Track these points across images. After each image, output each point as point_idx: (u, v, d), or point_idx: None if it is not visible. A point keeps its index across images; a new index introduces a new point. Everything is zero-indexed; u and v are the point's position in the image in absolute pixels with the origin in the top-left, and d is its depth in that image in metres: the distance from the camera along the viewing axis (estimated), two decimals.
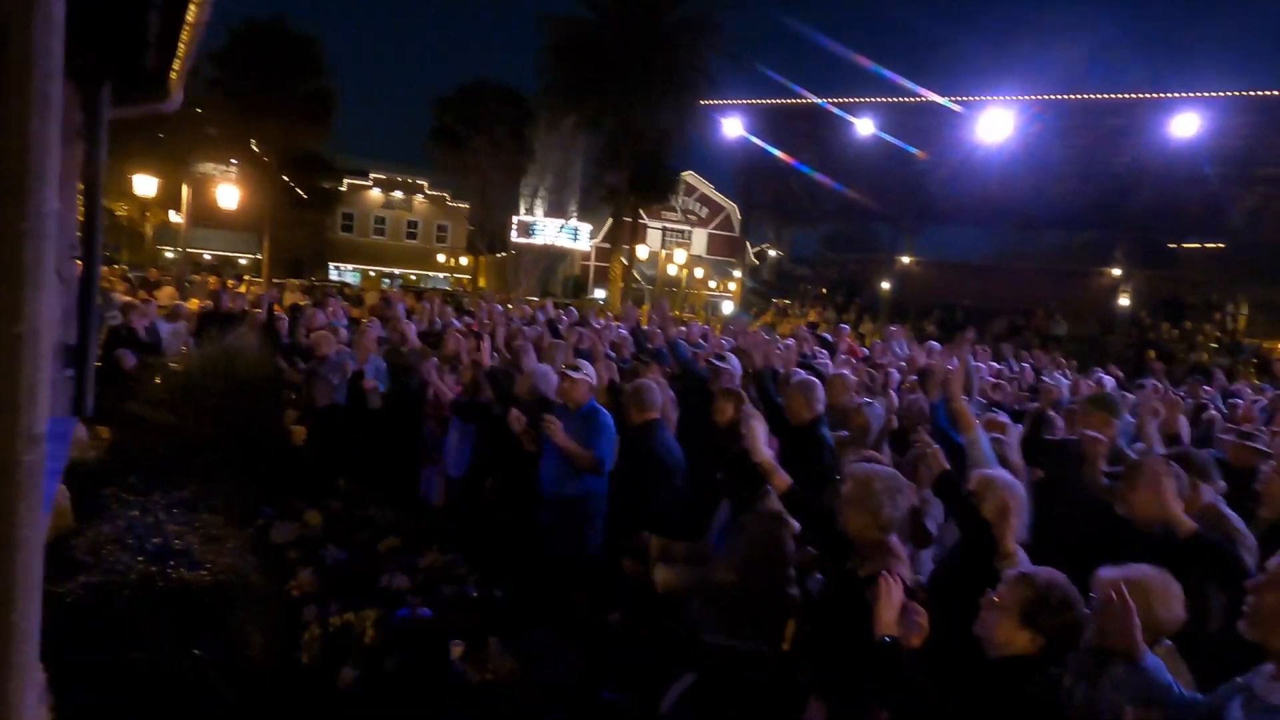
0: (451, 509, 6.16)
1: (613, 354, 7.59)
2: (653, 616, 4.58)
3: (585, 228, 42.90)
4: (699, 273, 40.52)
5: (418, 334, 8.37)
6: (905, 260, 26.96)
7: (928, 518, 3.86)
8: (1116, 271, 23.77)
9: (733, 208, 41.71)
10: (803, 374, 5.77)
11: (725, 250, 44.57)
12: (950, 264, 28.39)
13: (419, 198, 46.22)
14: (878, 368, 7.79)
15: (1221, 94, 19.12)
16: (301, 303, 12.30)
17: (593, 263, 46.50)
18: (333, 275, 42.80)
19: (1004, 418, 4.64)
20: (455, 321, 9.86)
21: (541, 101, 26.52)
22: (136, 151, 22.24)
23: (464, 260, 42.94)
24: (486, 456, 5.50)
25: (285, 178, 28.04)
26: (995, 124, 20.47)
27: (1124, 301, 22.75)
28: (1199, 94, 19.09)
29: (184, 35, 3.33)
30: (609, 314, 15.86)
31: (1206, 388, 10.13)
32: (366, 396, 7.21)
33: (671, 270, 33.82)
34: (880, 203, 27.95)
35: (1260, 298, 25.14)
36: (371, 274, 44.56)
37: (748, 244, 38.48)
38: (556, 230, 31.37)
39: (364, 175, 44.46)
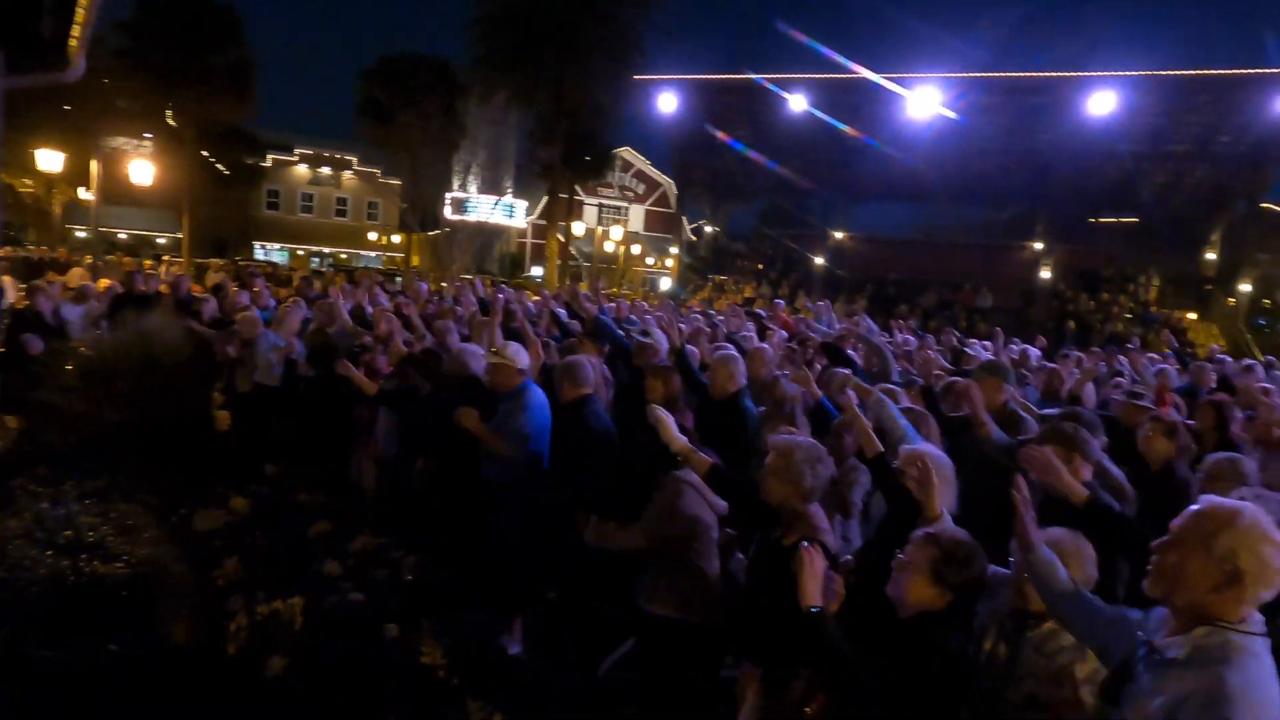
0: (383, 492, 6.05)
1: (559, 332, 7.56)
2: (592, 591, 4.61)
3: (521, 204, 42.37)
4: (636, 249, 40.48)
5: (352, 315, 8.17)
6: (839, 236, 27.41)
7: (854, 487, 3.96)
8: (1038, 246, 24.62)
9: (670, 184, 41.67)
10: (729, 348, 5.85)
11: (663, 227, 44.55)
12: (882, 239, 28.98)
13: (348, 174, 44.83)
14: (805, 341, 7.90)
15: (1134, 74, 19.87)
16: (224, 283, 11.84)
17: (529, 240, 46.00)
18: (259, 255, 41.40)
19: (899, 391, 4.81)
20: (385, 301, 9.65)
21: (473, 74, 25.96)
22: (40, 124, 21.04)
23: (397, 238, 41.97)
24: (417, 438, 5.41)
25: (204, 153, 26.90)
26: (923, 102, 20.88)
27: (1045, 274, 23.62)
28: (1115, 73, 19.79)
29: (82, 0, 3.16)
30: (545, 291, 15.73)
31: (1121, 356, 10.63)
32: (299, 379, 7.04)
33: (609, 247, 33.71)
34: (813, 179, 28.31)
35: (1170, 270, 26.41)
36: (300, 253, 43.22)
37: (684, 221, 38.58)
38: (491, 207, 30.86)
39: (289, 151, 42.93)
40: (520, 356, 4.64)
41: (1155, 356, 9.60)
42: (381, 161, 38.08)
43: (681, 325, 6.85)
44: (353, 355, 6.45)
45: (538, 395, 4.63)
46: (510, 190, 39.68)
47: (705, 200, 31.22)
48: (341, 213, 45.40)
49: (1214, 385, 6.57)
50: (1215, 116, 21.50)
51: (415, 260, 33.49)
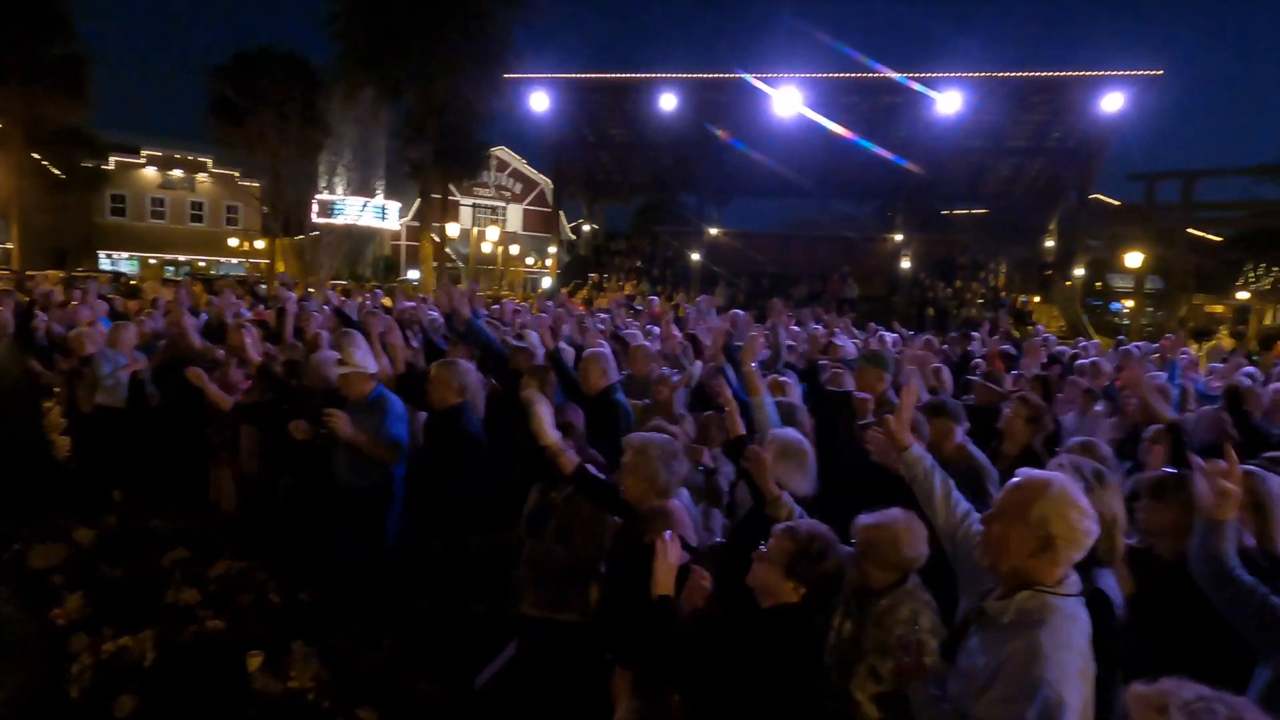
0: (246, 512, 5.75)
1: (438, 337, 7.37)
2: (467, 598, 4.54)
3: (394, 206, 41.10)
4: (515, 249, 40.06)
5: (210, 327, 7.71)
6: (713, 232, 28.01)
7: (720, 476, 4.07)
8: (898, 237, 25.96)
9: (547, 183, 41.41)
10: (604, 345, 5.90)
11: (541, 226, 44.27)
12: (754, 234, 29.81)
13: (202, 176, 42.00)
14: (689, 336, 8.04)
15: (977, 75, 21.27)
16: (55, 294, 10.91)
17: (404, 242, 44.69)
18: (104, 264, 38.32)
19: (790, 377, 4.97)
20: (245, 311, 9.16)
21: (335, 71, 24.94)
22: None
23: (260, 244, 39.78)
24: (280, 453, 5.17)
25: (35, 156, 24.68)
26: (786, 101, 21.63)
27: (905, 264, 24.92)
28: (960, 74, 21.12)
29: None
30: (420, 295, 15.34)
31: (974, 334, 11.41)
32: (146, 396, 6.57)
33: (486, 248, 33.18)
34: (686, 176, 28.82)
35: (1015, 257, 28.45)
36: (152, 261, 40.28)
37: (563, 219, 38.44)
38: (361, 209, 29.78)
39: (135, 152, 39.89)
40: (370, 363, 4.50)
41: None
42: (240, 163, 35.99)
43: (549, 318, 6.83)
44: (209, 370, 6.09)
45: (394, 402, 4.52)
46: (381, 191, 38.36)
47: (582, 198, 31.23)
48: (197, 218, 42.59)
49: (1044, 361, 7.15)
50: (1048, 115, 23.33)
51: (280, 266, 31.92)
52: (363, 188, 32.33)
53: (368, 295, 12.51)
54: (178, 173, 41.40)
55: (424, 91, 24.18)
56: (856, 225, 31.91)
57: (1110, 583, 2.66)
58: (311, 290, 17.58)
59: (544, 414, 3.41)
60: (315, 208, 31.33)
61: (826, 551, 2.46)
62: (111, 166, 38.15)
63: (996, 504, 2.11)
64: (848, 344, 8.25)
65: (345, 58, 24.26)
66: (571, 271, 28.08)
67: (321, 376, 4.90)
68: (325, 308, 8.24)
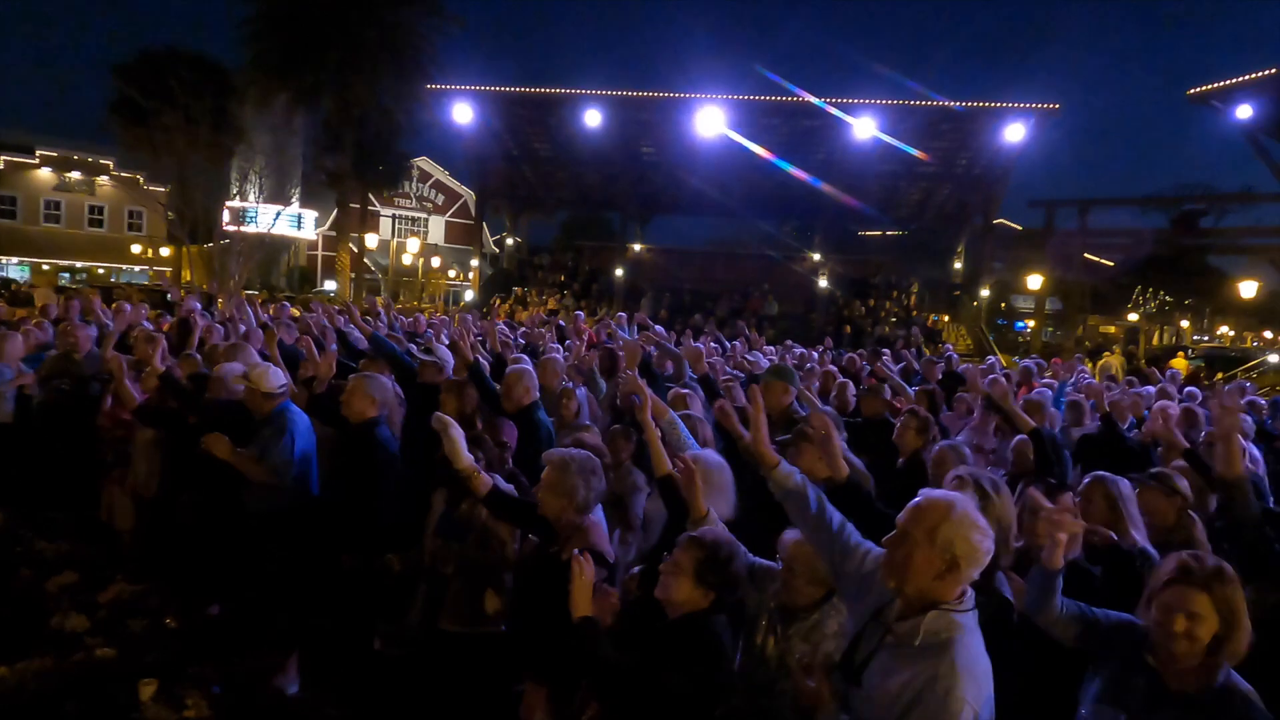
0: (142, 532, 5.47)
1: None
2: (379, 617, 4.42)
3: (311, 215, 39.94)
4: (436, 262, 39.46)
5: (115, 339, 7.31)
6: (637, 248, 28.19)
7: (635, 494, 4.09)
8: (816, 256, 26.67)
9: (471, 195, 40.98)
10: (525, 361, 5.86)
11: (464, 238, 43.74)
12: (678, 250, 30.15)
13: (103, 180, 39.86)
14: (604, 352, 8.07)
15: (889, 103, 22.10)
16: None
17: (320, 252, 43.49)
18: None
19: (696, 390, 5.08)
20: (147, 322, 8.74)
21: (248, 75, 24.12)
22: None
23: (165, 251, 38.02)
24: (181, 470, 4.94)
25: None
26: (709, 121, 22.00)
27: (823, 283, 25.59)
28: (873, 101, 21.90)
29: None
30: (334, 306, 14.93)
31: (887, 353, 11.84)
32: (33, 411, 6.20)
33: (406, 260, 32.57)
34: (611, 192, 28.96)
35: (927, 277, 29.58)
36: (45, 268, 38.03)
37: (486, 232, 38.06)
38: (274, 217, 28.81)
39: (28, 152, 37.60)
40: (272, 378, 4.37)
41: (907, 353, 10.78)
42: (145, 167, 34.34)
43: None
44: (105, 384, 5.79)
45: (299, 418, 4.38)
46: (297, 200, 37.26)
47: (506, 211, 31.01)
48: (97, 223, 40.41)
49: (940, 377, 7.48)
50: (955, 142, 24.38)
51: (187, 275, 30.61)
52: (277, 195, 31.24)
53: (277, 306, 12.11)
54: (75, 175, 39.21)
55: (342, 99, 23.64)
56: (777, 244, 32.60)
57: (1006, 586, 2.80)
58: (221, 300, 16.93)
59: (457, 437, 3.38)
60: (226, 215, 30.13)
61: (734, 555, 2.51)
62: (1, 166, 35.98)
63: (900, 526, 2.14)
64: (762, 360, 8.45)
65: (259, 62, 23.52)
66: (494, 285, 27.82)
67: (229, 389, 4.71)
68: (238, 318, 7.93)
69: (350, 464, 4.37)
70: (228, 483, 4.30)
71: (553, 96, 23.98)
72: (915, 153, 22.98)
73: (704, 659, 2.37)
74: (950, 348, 15.25)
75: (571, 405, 4.96)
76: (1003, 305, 42.26)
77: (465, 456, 3.41)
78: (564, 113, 23.65)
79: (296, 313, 11.66)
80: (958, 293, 26.76)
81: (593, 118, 22.51)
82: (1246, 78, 18.69)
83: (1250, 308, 30.82)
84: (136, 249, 39.24)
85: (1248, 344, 42.66)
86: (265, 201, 30.28)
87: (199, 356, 5.97)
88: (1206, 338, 47.94)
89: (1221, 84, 19.18)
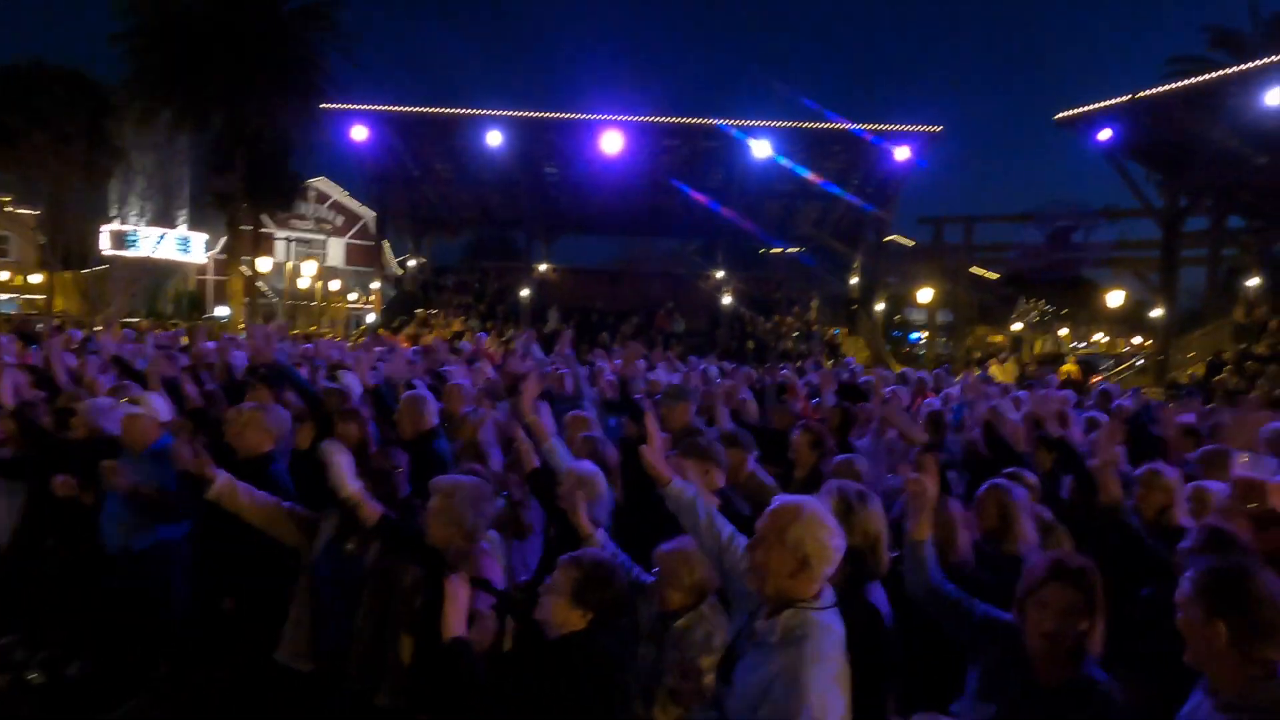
0: (2, 581, 5.08)
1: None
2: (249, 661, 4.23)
3: (200, 238, 38.15)
4: (336, 285, 38.32)
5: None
6: (543, 268, 28.13)
7: (528, 510, 4.08)
8: (720, 274, 27.20)
9: (372, 216, 40.05)
10: (419, 387, 5.77)
11: (365, 260, 42.55)
12: (584, 270, 30.22)
13: None
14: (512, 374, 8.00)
15: (786, 124, 22.85)
16: None
17: (211, 276, 41.56)
18: None
19: (591, 411, 5.12)
20: (9, 356, 8.15)
21: (127, 93, 22.94)
22: None
23: (37, 278, 35.51)
24: (42, 514, 4.63)
25: None
26: (611, 142, 22.23)
27: (727, 300, 26.12)
28: (769, 123, 22.60)
29: None
30: (226, 334, 14.31)
31: (785, 368, 12.19)
32: None
33: (303, 283, 31.49)
34: (514, 212, 28.83)
35: (826, 293, 30.55)
36: None
37: (388, 253, 37.20)
38: (159, 240, 27.42)
39: None
40: (149, 413, 4.17)
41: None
42: (13, 189, 32.12)
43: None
44: None
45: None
46: (184, 222, 35.63)
47: (408, 232, 30.43)
48: None
49: (835, 388, 7.75)
50: (847, 163, 25.39)
51: (60, 303, 28.73)
52: (162, 218, 29.74)
53: (163, 334, 11.53)
54: None
55: (231, 119, 22.74)
56: (681, 262, 33.10)
57: (880, 595, 2.92)
58: (98, 329, 15.96)
59: (342, 464, 3.31)
60: (106, 239, 28.50)
61: (611, 576, 2.55)
62: None
63: (758, 530, 2.26)
64: (668, 377, 8.55)
65: (139, 79, 22.40)
66: (397, 307, 27.22)
67: (92, 426, 4.45)
68: (110, 349, 7.50)
69: None
70: (91, 526, 4.06)
71: (453, 117, 23.76)
72: (808, 174, 23.83)
73: (583, 678, 2.39)
74: (853, 360, 15.81)
75: (474, 432, 4.90)
76: (897, 318, 44.05)
77: (350, 484, 3.34)
78: (465, 133, 23.46)
79: (185, 340, 11.13)
80: (855, 307, 27.76)
81: (494, 138, 22.41)
82: (1106, 104, 20.17)
83: (1119, 316, 33.10)
84: (3, 276, 36.52)
85: (1119, 349, 45.78)
86: (149, 224, 28.79)
87: (77, 390, 5.62)
88: (1084, 344, 51.14)
89: (1085, 109, 20.62)
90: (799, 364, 18.48)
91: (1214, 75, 19.05)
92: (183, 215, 35.39)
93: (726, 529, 2.62)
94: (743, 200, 25.10)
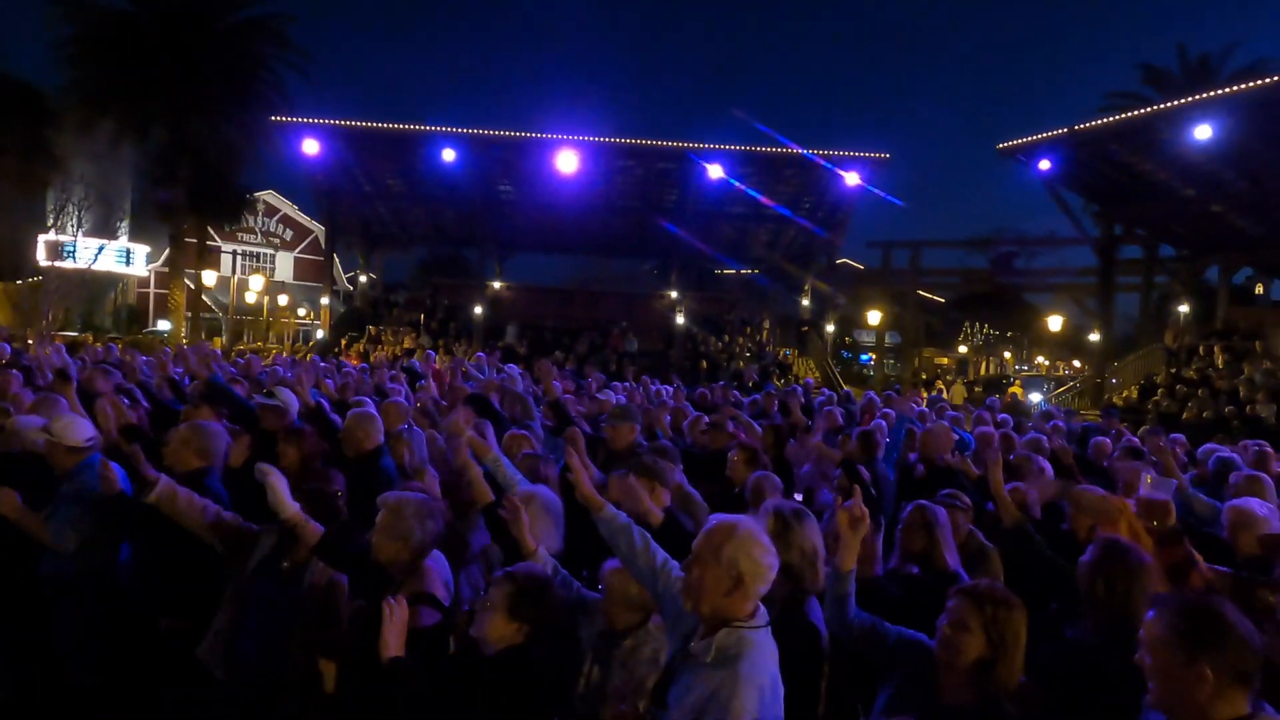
0: None
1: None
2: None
3: (142, 250, 37.17)
4: (284, 300, 37.61)
5: None
6: (496, 285, 28.01)
7: (475, 531, 4.05)
8: (674, 294, 27.40)
9: (322, 231, 39.52)
10: (367, 404, 5.70)
11: (315, 276, 41.90)
12: (538, 288, 30.17)
13: None
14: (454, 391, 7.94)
15: (737, 148, 23.20)
16: None
17: (153, 290, 40.49)
18: None
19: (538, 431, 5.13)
20: None
21: (67, 101, 22.30)
22: None
23: None
24: None
25: None
26: (566, 161, 22.30)
27: (680, 320, 26.30)
28: (720, 147, 22.92)
29: None
30: (167, 349, 13.92)
31: (736, 391, 12.31)
32: None
33: (250, 298, 30.84)
34: (468, 230, 28.71)
35: (777, 314, 30.96)
36: None
37: (339, 269, 36.68)
38: (98, 252, 26.61)
39: None
40: (75, 430, 4.04)
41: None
42: None
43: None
44: None
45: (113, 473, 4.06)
46: (125, 234, 34.65)
47: (358, 248, 30.05)
48: None
49: (776, 409, 7.87)
50: (799, 187, 25.86)
51: None
52: (102, 229, 28.86)
53: (99, 348, 11.18)
54: None
55: (176, 130, 22.24)
56: (635, 282, 33.29)
57: (817, 612, 2.97)
58: (30, 343, 15.43)
59: (279, 486, 3.26)
60: (42, 249, 27.56)
61: (546, 590, 2.55)
62: None
63: (694, 550, 2.26)
64: (612, 396, 8.58)
65: (79, 87, 21.81)
66: (346, 324, 26.81)
67: (19, 441, 4.30)
68: (55, 363, 7.26)
69: (172, 519, 4.08)
70: (18, 546, 3.90)
71: (407, 133, 23.61)
72: (761, 197, 24.22)
73: (518, 693, 2.38)
74: (811, 381, 16.04)
75: (402, 450, 4.87)
76: (847, 339, 44.86)
77: (289, 505, 3.30)
78: (419, 149, 23.31)
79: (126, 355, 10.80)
80: (806, 329, 28.17)
81: (449, 155, 22.30)
82: (1045, 135, 20.91)
83: (1059, 339, 34.21)
84: None
85: (1060, 372, 47.22)
86: (88, 235, 27.89)
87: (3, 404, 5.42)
88: (1026, 366, 52.66)
89: (1025, 140, 21.34)
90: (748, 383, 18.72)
91: (1145, 111, 19.91)
92: (124, 226, 34.41)
93: (660, 555, 2.62)
94: (697, 221, 25.37)
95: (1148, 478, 3.27)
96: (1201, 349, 21.70)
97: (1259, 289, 30.17)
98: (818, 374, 25.09)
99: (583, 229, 27.89)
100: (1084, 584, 2.75)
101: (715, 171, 22.80)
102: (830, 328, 28.58)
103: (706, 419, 6.79)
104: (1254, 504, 3.81)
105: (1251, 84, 17.32)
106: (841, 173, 23.14)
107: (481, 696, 2.36)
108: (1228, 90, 17.64)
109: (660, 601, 2.58)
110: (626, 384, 11.06)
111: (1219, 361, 20.51)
